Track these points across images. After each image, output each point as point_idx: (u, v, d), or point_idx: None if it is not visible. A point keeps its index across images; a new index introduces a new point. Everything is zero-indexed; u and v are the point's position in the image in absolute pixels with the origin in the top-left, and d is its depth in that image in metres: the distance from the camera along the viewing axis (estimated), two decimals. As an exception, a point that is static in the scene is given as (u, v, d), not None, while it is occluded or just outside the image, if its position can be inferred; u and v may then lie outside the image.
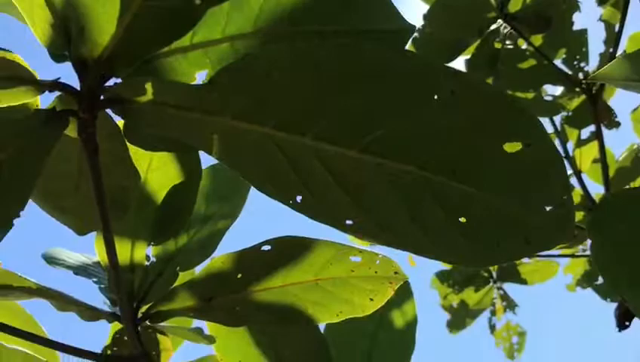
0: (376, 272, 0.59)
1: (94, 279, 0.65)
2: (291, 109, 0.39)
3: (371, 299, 0.60)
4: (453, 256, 0.42)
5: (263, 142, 0.41)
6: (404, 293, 0.80)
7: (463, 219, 0.40)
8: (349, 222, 0.43)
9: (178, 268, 0.64)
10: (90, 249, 0.70)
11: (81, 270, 0.66)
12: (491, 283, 2.09)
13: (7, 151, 0.41)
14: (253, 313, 0.61)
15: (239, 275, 0.59)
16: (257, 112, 0.40)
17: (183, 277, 0.64)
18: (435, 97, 0.37)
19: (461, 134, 0.38)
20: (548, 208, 0.38)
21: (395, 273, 0.59)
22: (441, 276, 2.00)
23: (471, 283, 2.03)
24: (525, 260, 2.04)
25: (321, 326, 0.74)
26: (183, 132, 0.43)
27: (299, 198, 0.43)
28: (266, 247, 0.58)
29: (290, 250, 0.58)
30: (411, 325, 0.79)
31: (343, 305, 0.61)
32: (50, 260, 0.68)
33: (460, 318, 2.08)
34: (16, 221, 0.43)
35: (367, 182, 0.41)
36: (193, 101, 0.40)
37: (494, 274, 2.08)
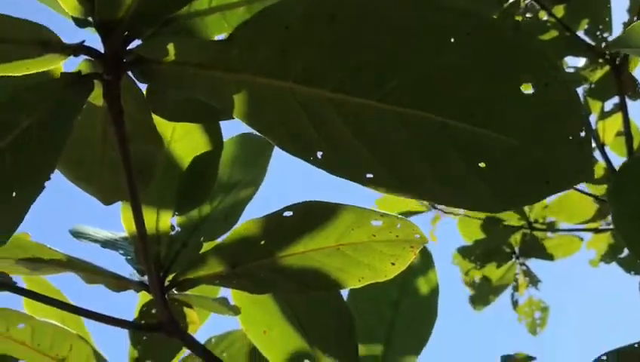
0: (397, 236, 0.59)
1: (121, 251, 0.67)
2: (310, 61, 0.39)
3: (393, 264, 0.61)
4: (473, 202, 0.43)
5: (283, 98, 0.41)
6: (426, 262, 0.80)
7: (482, 165, 0.40)
8: (369, 175, 0.43)
9: (202, 238, 0.65)
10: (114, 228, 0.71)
11: (108, 243, 0.68)
12: (513, 259, 2.08)
13: (35, 116, 0.42)
14: (277, 280, 0.62)
15: (262, 242, 0.60)
16: (277, 67, 0.40)
17: (207, 246, 0.65)
18: (452, 40, 0.37)
19: (478, 77, 0.38)
20: (566, 147, 0.38)
21: (417, 236, 0.59)
22: (463, 251, 2.00)
23: (493, 259, 2.02)
24: (549, 235, 2.02)
25: (344, 295, 0.75)
26: (205, 92, 0.43)
27: (319, 154, 0.43)
28: (288, 213, 0.59)
29: (311, 216, 0.59)
30: (434, 293, 0.79)
31: (365, 270, 0.62)
32: (78, 235, 0.69)
33: (483, 294, 2.08)
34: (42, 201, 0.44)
35: (386, 133, 0.41)
36: (214, 58, 0.41)
37: (517, 250, 2.07)
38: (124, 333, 0.87)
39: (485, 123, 0.40)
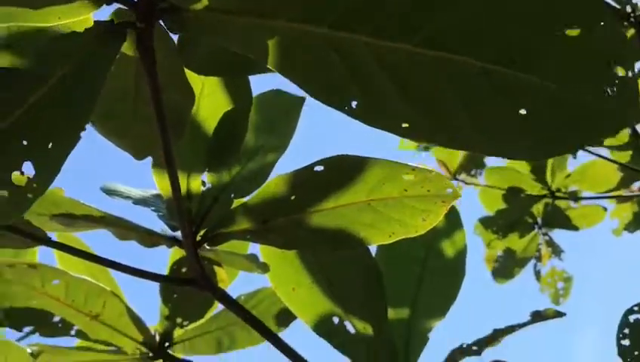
0: (428, 191, 0.59)
1: (153, 208, 0.68)
2: (346, 6, 0.39)
3: (424, 219, 0.61)
4: (513, 150, 0.42)
5: (318, 45, 0.41)
6: (455, 222, 0.80)
7: (523, 111, 0.39)
8: (404, 125, 0.43)
9: (232, 195, 0.66)
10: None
11: (139, 200, 0.69)
12: (536, 230, 2.07)
13: (68, 67, 0.43)
14: (307, 235, 0.63)
15: (293, 197, 0.60)
16: (312, 12, 0.40)
17: (237, 203, 0.65)
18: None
19: (520, 20, 0.38)
20: (610, 92, 0.38)
21: (449, 191, 0.59)
22: (485, 222, 1.99)
23: (515, 229, 2.01)
24: (572, 205, 2.01)
25: (373, 252, 0.75)
26: (238, 40, 0.43)
27: (354, 104, 0.43)
28: (319, 168, 0.59)
29: (342, 170, 0.59)
30: (461, 254, 0.79)
31: (396, 225, 0.62)
32: (110, 192, 0.70)
33: (506, 267, 2.08)
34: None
35: (423, 79, 0.40)
36: (248, 4, 0.40)
37: (539, 220, 2.06)
38: (154, 293, 0.89)
39: (527, 68, 0.39)
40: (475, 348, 0.74)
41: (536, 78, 0.38)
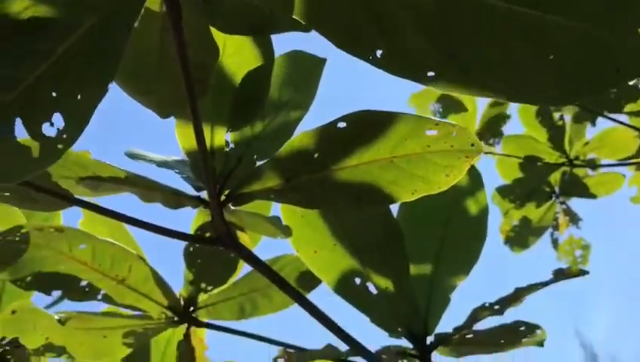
0: (452, 146, 0.59)
1: (176, 170, 0.68)
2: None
3: (447, 175, 0.61)
4: (540, 95, 0.42)
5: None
6: (476, 182, 0.80)
7: (550, 54, 0.39)
8: (430, 73, 0.43)
9: (255, 155, 0.66)
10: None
11: (163, 163, 0.69)
12: (553, 198, 2.06)
13: (96, 17, 0.43)
14: (330, 193, 0.63)
15: (316, 155, 0.60)
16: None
17: (260, 162, 0.66)
18: None
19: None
20: (637, 32, 0.37)
21: (472, 145, 0.59)
22: (502, 191, 1.98)
23: (532, 199, 2.00)
24: (590, 173, 1.99)
25: (394, 211, 0.76)
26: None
27: (379, 53, 0.43)
28: (342, 124, 0.59)
29: (365, 126, 0.59)
30: (483, 213, 0.79)
31: (419, 182, 0.62)
32: (133, 156, 0.71)
33: (522, 236, 2.07)
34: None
35: (449, 23, 0.40)
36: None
37: (556, 189, 2.04)
38: (174, 264, 0.90)
39: (554, 9, 0.39)
40: (497, 307, 0.74)
41: (563, 19, 0.38)
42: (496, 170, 2.02)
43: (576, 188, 2.00)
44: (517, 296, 0.72)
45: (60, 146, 0.45)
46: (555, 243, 2.10)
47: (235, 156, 0.64)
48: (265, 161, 0.63)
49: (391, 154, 0.59)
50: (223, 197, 0.63)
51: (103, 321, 0.85)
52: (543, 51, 0.40)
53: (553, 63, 0.40)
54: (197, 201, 0.65)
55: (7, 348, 0.94)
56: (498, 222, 2.08)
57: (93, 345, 0.87)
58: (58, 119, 0.46)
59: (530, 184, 1.98)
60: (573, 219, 2.08)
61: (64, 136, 0.45)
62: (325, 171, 0.61)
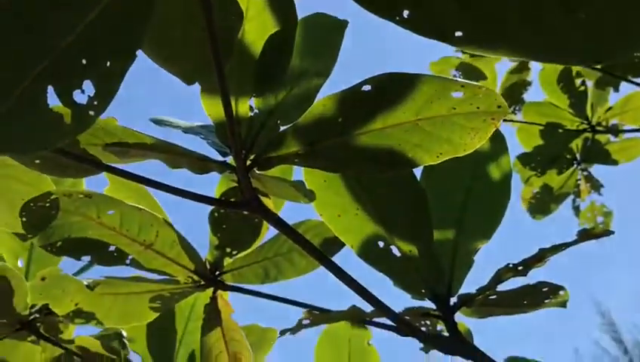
0: (478, 108, 0.59)
1: (202, 136, 0.69)
2: None
3: (472, 137, 0.61)
4: (570, 54, 0.41)
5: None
6: (499, 146, 0.79)
7: (580, 12, 0.38)
8: (458, 33, 0.42)
9: (279, 120, 0.66)
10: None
11: (188, 128, 0.70)
12: (575, 165, 2.04)
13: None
14: (354, 157, 0.63)
15: (340, 118, 0.61)
16: None
17: (284, 127, 0.66)
18: None
19: None
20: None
21: (499, 106, 0.58)
22: (523, 159, 1.97)
23: (554, 165, 1.99)
24: (612, 139, 1.97)
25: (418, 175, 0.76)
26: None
27: (405, 13, 0.43)
28: (366, 87, 0.59)
29: (390, 89, 0.59)
30: (506, 178, 0.79)
31: (444, 145, 0.62)
32: (158, 122, 0.71)
33: (543, 203, 2.06)
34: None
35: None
36: None
37: (578, 156, 2.02)
38: (198, 234, 0.91)
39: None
40: (520, 268, 0.75)
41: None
42: (516, 137, 2.00)
43: (598, 154, 1.98)
44: (541, 256, 0.72)
45: (91, 113, 0.46)
46: (576, 210, 2.09)
47: (260, 121, 0.65)
48: (289, 125, 0.64)
49: (416, 116, 0.59)
50: (248, 162, 0.64)
51: (130, 286, 0.87)
52: (572, 8, 0.39)
53: (586, 20, 0.39)
54: (223, 166, 0.65)
55: (37, 315, 0.97)
56: (519, 190, 2.07)
57: (121, 310, 0.89)
58: (88, 86, 0.47)
59: (552, 151, 1.96)
60: (595, 185, 2.06)
61: (95, 102, 0.46)
62: (349, 135, 0.61)
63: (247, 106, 0.65)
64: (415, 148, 0.62)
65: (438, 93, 0.58)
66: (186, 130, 0.69)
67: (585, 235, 0.71)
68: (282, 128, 0.65)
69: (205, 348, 0.90)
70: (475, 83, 0.57)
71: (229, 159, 0.66)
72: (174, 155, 0.65)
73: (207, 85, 0.62)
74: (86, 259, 0.81)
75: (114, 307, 0.89)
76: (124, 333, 1.04)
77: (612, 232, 0.70)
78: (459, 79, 0.58)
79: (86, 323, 0.91)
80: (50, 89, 0.45)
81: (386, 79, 0.58)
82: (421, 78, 0.58)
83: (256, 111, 0.65)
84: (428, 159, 0.63)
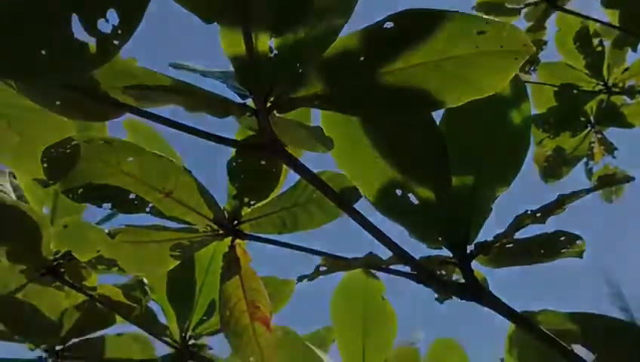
0: (501, 47, 0.58)
1: (221, 80, 0.69)
2: None
3: (495, 78, 0.60)
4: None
5: None
6: (519, 92, 0.79)
7: None
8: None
9: (298, 63, 0.66)
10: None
11: (207, 72, 0.70)
12: (589, 128, 2.02)
13: None
14: (376, 99, 0.63)
15: (362, 58, 0.60)
16: None
17: (305, 68, 0.65)
18: None
19: None
20: None
21: (524, 45, 0.58)
22: (536, 120, 1.95)
23: (567, 128, 1.97)
24: (627, 101, 1.94)
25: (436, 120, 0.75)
26: None
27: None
28: (389, 24, 0.58)
29: (412, 26, 0.58)
30: (527, 122, 0.78)
31: (466, 85, 0.61)
32: (177, 66, 0.71)
33: (556, 167, 2.05)
34: None
35: None
36: None
37: (592, 118, 2.00)
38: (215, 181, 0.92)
39: None
40: (539, 214, 0.75)
41: None
42: (530, 98, 1.98)
43: (613, 116, 1.95)
44: (560, 202, 0.72)
45: (115, 42, 0.46)
46: (589, 173, 2.08)
47: (280, 61, 0.64)
48: (309, 66, 0.63)
49: (439, 56, 0.59)
50: (268, 104, 0.64)
51: (151, 234, 0.88)
52: None
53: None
54: (243, 108, 0.65)
55: (61, 261, 0.99)
56: (531, 152, 2.06)
57: (141, 258, 0.91)
58: (113, 17, 0.47)
59: (565, 113, 1.94)
60: (609, 148, 2.04)
61: (119, 32, 0.46)
62: (371, 75, 0.61)
63: (267, 46, 0.64)
64: (437, 88, 0.61)
65: (462, 30, 0.57)
66: (205, 74, 0.69)
67: (605, 181, 0.70)
68: (303, 69, 0.64)
69: (224, 296, 0.91)
70: (499, 20, 0.57)
71: (249, 102, 0.66)
72: (194, 98, 0.65)
73: (227, 22, 0.61)
74: (107, 206, 0.82)
75: (134, 254, 0.90)
76: (146, 281, 1.06)
77: (633, 178, 0.69)
78: (483, 15, 0.57)
79: (107, 271, 0.92)
80: (75, 18, 0.45)
81: (409, 16, 0.58)
82: (444, 15, 0.57)
83: (275, 52, 0.65)
84: (450, 100, 0.62)
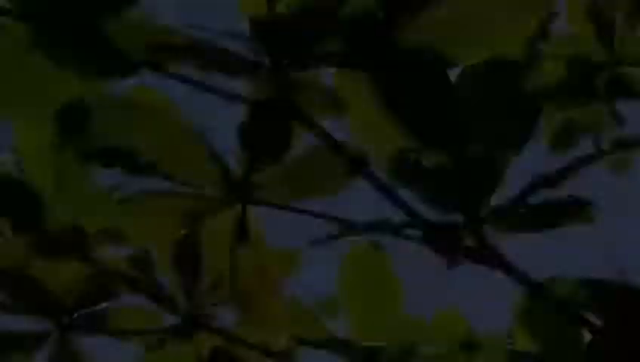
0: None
1: (233, 38, 0.68)
2: None
3: (514, 33, 0.59)
4: None
5: None
6: (535, 53, 0.77)
7: None
8: None
9: (315, 19, 0.65)
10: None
11: (219, 33, 0.69)
12: (599, 99, 2.00)
13: None
14: (391, 56, 0.62)
15: (380, 13, 0.59)
16: None
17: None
18: None
19: None
20: None
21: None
22: (547, 90, 1.93)
23: (577, 99, 1.95)
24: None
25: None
26: None
27: None
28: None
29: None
30: (539, 89, 0.77)
31: (483, 43, 0.60)
32: (191, 28, 0.70)
33: (564, 138, 2.03)
34: None
35: None
36: None
37: (603, 89, 1.98)
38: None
39: None
40: (552, 178, 0.74)
41: None
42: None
43: (623, 87, 1.93)
44: (574, 165, 0.71)
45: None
46: (598, 145, 2.06)
47: (295, 19, 0.63)
48: (327, 24, 0.62)
49: (456, 9, 0.58)
50: (284, 62, 0.63)
51: (158, 201, 0.88)
52: None
53: None
54: (258, 67, 0.64)
55: (67, 231, 0.99)
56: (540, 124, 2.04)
57: (150, 226, 0.90)
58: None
59: (575, 83, 1.92)
60: (619, 119, 2.02)
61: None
62: (389, 31, 0.60)
63: (283, 4, 0.63)
64: (454, 45, 0.60)
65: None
66: (216, 35, 0.67)
67: (620, 144, 0.69)
68: (319, 27, 0.63)
69: (232, 265, 0.91)
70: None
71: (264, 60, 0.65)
72: (207, 55, 0.64)
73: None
74: (116, 169, 0.82)
75: (143, 223, 0.90)
76: (153, 250, 1.05)
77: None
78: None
79: (114, 239, 0.92)
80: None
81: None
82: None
83: (293, 9, 0.64)
84: (466, 58, 0.62)
